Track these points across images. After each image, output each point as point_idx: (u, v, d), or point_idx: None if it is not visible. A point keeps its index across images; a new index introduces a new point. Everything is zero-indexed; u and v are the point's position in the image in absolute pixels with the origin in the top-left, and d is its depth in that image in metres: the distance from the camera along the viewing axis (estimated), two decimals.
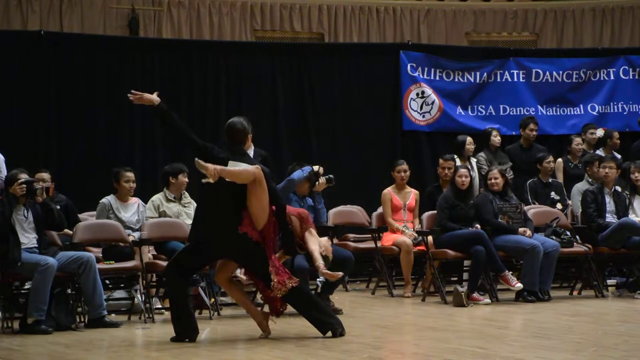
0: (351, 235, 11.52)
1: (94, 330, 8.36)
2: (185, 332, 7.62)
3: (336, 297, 9.72)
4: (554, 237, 10.30)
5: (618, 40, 15.16)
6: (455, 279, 10.52)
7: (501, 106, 13.44)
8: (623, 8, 15.35)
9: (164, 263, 9.20)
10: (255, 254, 7.53)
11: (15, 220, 8.47)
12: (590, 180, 11.35)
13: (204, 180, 7.45)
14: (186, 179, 9.95)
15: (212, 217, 7.54)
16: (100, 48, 12.44)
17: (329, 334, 7.62)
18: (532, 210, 10.82)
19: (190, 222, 9.82)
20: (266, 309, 8.04)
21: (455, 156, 11.55)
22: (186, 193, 10.11)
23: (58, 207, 9.62)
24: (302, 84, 13.03)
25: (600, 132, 12.62)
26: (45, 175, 9.87)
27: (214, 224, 7.52)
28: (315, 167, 9.52)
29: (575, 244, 10.47)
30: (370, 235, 11.12)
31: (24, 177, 8.51)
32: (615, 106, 13.66)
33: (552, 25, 15.34)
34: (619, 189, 10.80)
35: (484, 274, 10.00)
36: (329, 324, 7.63)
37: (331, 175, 9.64)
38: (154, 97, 7.60)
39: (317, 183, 9.52)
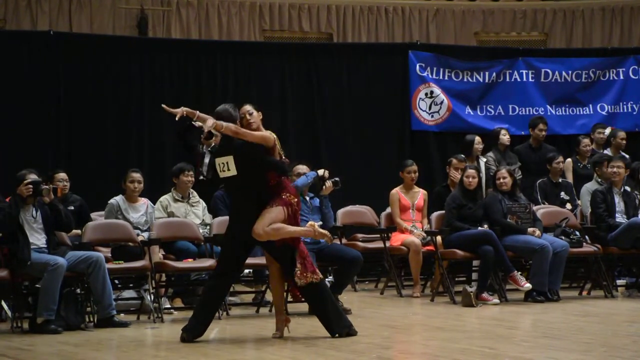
0: (360, 235, 11.51)
1: (103, 330, 8.37)
2: (187, 327, 7.61)
3: (345, 297, 9.72)
4: (563, 237, 10.28)
5: (627, 40, 15.12)
6: (464, 279, 10.51)
7: (510, 106, 13.42)
8: (633, 8, 15.31)
9: (173, 263, 9.24)
10: (279, 243, 7.58)
11: (24, 220, 8.48)
12: (599, 180, 11.33)
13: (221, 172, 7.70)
14: (189, 178, 9.97)
15: (239, 212, 7.64)
16: (109, 48, 12.47)
17: (336, 335, 7.64)
18: (542, 210, 10.80)
19: (198, 221, 9.86)
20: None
21: (463, 156, 11.53)
22: (194, 193, 10.13)
23: (72, 207, 9.66)
24: (311, 84, 13.03)
25: (606, 131, 12.59)
26: (63, 175, 9.89)
27: (240, 218, 7.60)
28: (320, 172, 9.51)
29: (584, 244, 10.46)
30: (379, 235, 11.11)
31: (31, 177, 8.52)
32: (625, 106, 13.63)
33: (562, 25, 15.31)
34: (628, 188, 10.78)
35: (492, 274, 9.99)
36: (338, 327, 7.63)
37: (337, 178, 9.64)
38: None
39: (323, 187, 9.52)
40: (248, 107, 7.86)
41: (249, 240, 7.74)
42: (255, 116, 7.81)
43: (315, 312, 7.81)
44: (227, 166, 7.64)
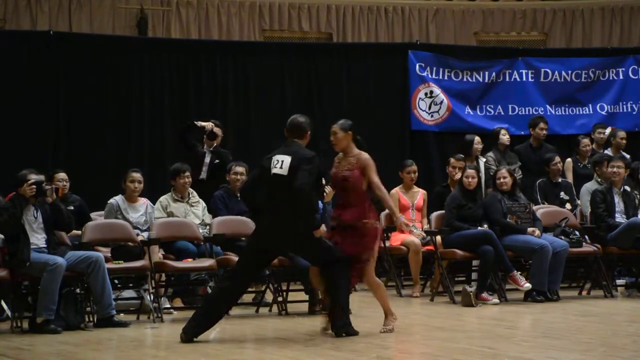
0: None
1: (103, 330, 8.36)
2: (187, 328, 7.58)
3: None
4: (562, 237, 10.28)
5: (627, 40, 15.13)
6: (464, 278, 10.51)
7: (510, 106, 13.42)
8: (632, 7, 15.32)
9: (173, 263, 9.23)
10: (311, 246, 7.62)
11: (25, 220, 8.47)
12: (599, 180, 11.32)
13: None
14: (185, 180, 9.95)
15: (274, 214, 7.60)
16: (109, 48, 12.47)
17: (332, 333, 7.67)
18: (541, 210, 10.80)
19: (198, 222, 9.85)
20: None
21: (462, 155, 11.53)
22: (194, 193, 10.12)
23: (72, 207, 9.66)
24: (310, 84, 13.03)
25: (607, 131, 12.60)
26: (63, 175, 9.89)
27: (273, 221, 7.58)
28: None
29: (584, 244, 10.45)
30: None
31: (33, 177, 8.51)
32: (625, 106, 13.62)
33: (561, 25, 15.31)
34: (628, 188, 10.78)
35: (492, 274, 9.99)
36: (338, 324, 7.65)
37: None
38: None
39: (324, 194, 9.52)
40: (334, 127, 7.98)
41: (276, 250, 7.80)
42: (340, 137, 7.90)
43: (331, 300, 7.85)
44: (281, 164, 7.60)
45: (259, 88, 12.80)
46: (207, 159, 10.79)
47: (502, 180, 10.31)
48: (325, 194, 9.54)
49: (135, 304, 9.44)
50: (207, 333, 7.70)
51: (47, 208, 8.58)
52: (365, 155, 7.90)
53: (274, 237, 7.60)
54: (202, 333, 7.60)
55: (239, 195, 10.06)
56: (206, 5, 14.24)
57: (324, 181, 9.55)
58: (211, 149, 10.82)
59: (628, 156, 12.02)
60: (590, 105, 13.58)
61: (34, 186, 8.42)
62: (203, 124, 10.73)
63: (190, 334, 7.54)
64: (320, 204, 9.59)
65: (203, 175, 10.75)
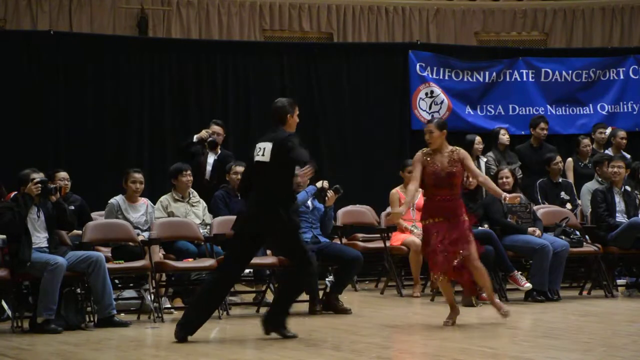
0: (360, 235, 11.51)
1: (103, 330, 8.37)
2: (180, 325, 7.54)
3: (345, 297, 9.72)
4: (563, 237, 10.28)
5: (628, 40, 15.12)
6: None
7: (510, 106, 13.41)
8: (633, 7, 15.31)
9: (173, 263, 9.23)
10: (290, 237, 7.62)
11: (28, 219, 8.47)
12: (599, 179, 11.33)
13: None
14: (187, 178, 9.95)
15: (257, 200, 7.61)
16: (109, 48, 12.47)
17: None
18: (542, 210, 10.80)
19: (198, 221, 9.86)
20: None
21: None
22: (194, 192, 10.12)
23: (72, 207, 9.66)
24: (311, 84, 13.02)
25: (607, 131, 12.61)
26: (64, 174, 9.89)
27: (256, 207, 7.58)
28: (319, 184, 9.53)
29: (584, 243, 10.46)
30: (379, 235, 11.11)
31: (37, 176, 8.51)
32: (625, 106, 13.62)
33: (562, 25, 15.31)
34: (628, 188, 10.78)
35: (493, 274, 9.97)
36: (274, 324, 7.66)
37: (337, 185, 9.64)
38: None
39: (326, 198, 9.52)
40: (430, 127, 8.26)
41: (260, 234, 7.72)
42: (436, 136, 8.19)
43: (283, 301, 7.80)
44: (263, 151, 7.62)
45: (259, 88, 12.80)
46: (210, 159, 10.86)
47: (504, 180, 10.31)
48: (327, 198, 9.54)
49: (136, 303, 9.44)
50: (207, 333, 7.71)
51: (49, 207, 8.58)
52: (462, 149, 8.32)
53: (258, 223, 7.56)
54: (196, 328, 7.54)
55: (239, 194, 10.06)
56: (206, 5, 14.24)
57: (326, 184, 9.55)
58: (216, 157, 10.92)
59: (628, 156, 12.03)
60: (590, 105, 13.58)
61: (40, 185, 8.42)
62: (199, 135, 10.85)
63: (183, 331, 7.50)
64: (322, 207, 9.58)
65: (207, 176, 10.79)
